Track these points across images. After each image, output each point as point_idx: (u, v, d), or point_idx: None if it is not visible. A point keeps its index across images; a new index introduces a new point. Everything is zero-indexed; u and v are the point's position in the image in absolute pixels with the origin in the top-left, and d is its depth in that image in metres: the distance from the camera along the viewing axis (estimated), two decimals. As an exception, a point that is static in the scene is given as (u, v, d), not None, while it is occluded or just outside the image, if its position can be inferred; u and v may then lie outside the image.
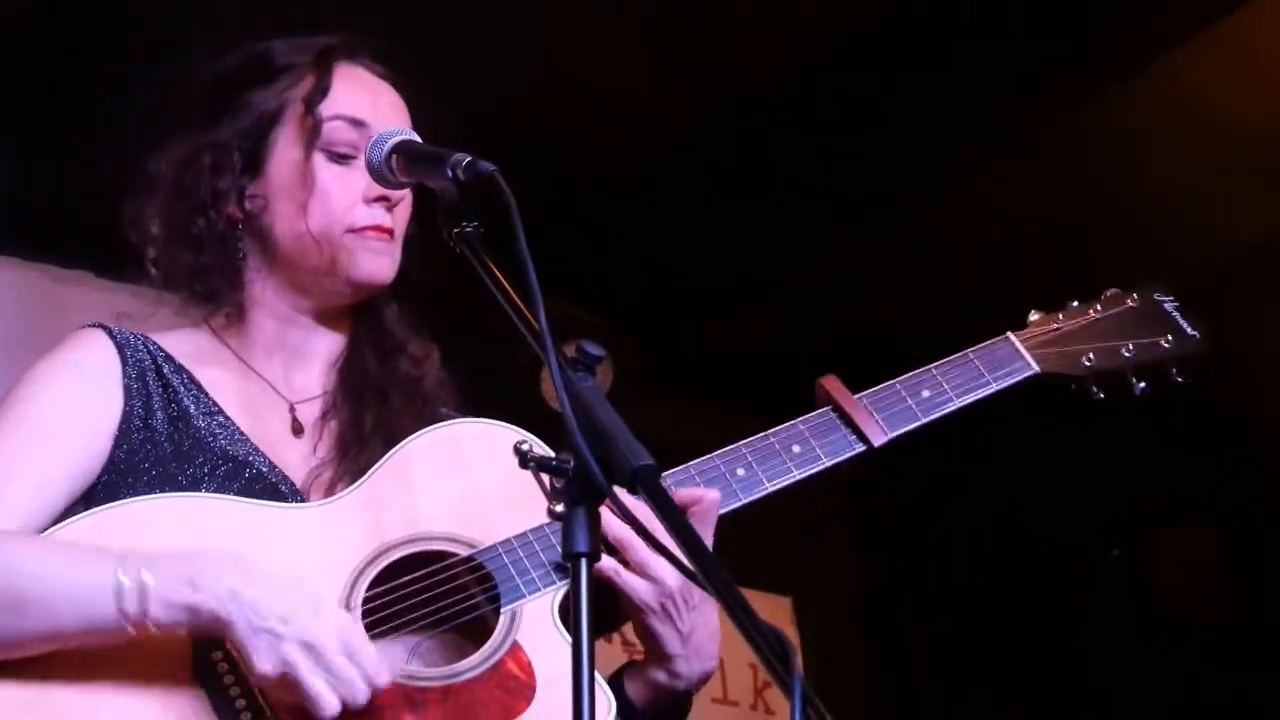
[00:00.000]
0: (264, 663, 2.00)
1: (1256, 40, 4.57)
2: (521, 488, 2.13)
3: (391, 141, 2.12)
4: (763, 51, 4.52)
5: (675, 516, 1.66)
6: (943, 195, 5.18)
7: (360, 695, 2.02)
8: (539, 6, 4.24)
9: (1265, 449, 6.01)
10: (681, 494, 2.26)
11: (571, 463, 1.71)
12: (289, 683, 2.00)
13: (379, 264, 2.35)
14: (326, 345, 2.42)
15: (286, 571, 2.10)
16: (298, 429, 2.35)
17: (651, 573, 2.20)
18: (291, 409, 2.36)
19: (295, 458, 2.31)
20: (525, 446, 1.79)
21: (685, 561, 1.67)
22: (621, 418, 1.74)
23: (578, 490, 1.70)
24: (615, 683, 2.30)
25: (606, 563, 2.18)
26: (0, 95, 4.14)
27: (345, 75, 2.40)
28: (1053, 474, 6.39)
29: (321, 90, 2.35)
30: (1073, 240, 5.27)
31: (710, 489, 2.28)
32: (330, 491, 2.28)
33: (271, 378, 2.38)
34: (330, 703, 2.00)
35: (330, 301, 2.40)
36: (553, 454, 1.87)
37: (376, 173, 2.15)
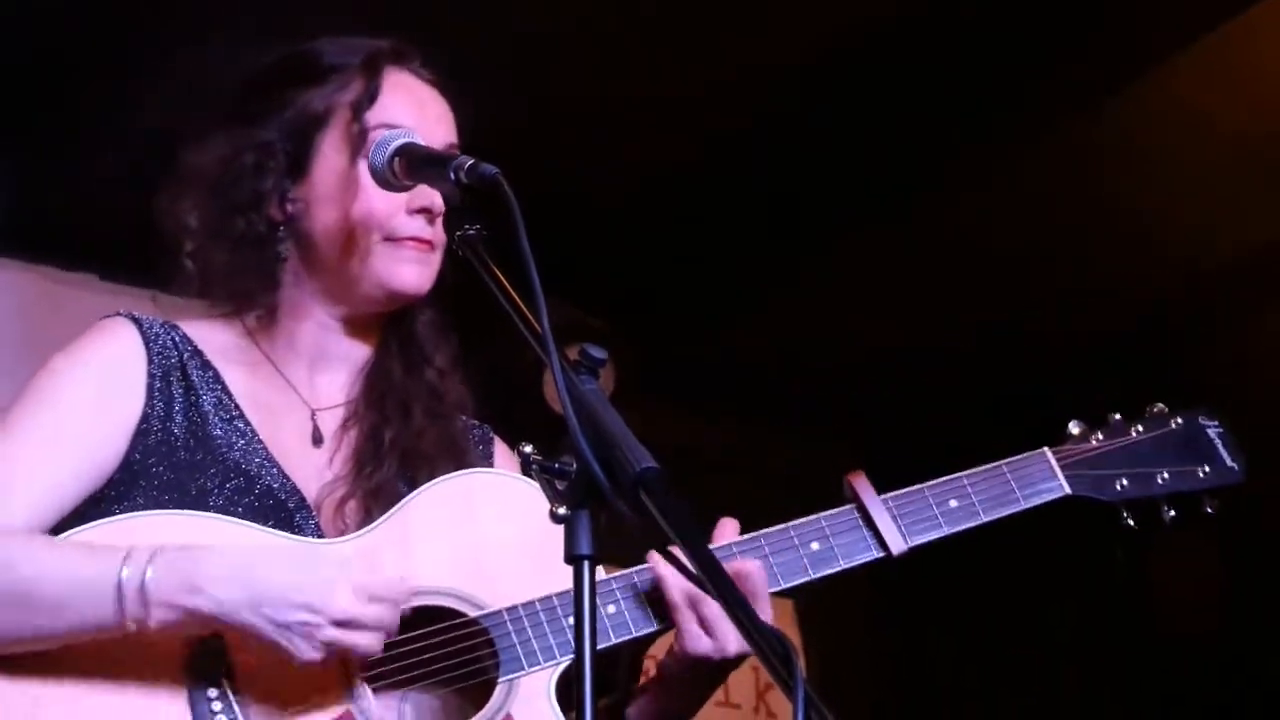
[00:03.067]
0: (307, 653, 2.03)
1: (1254, 48, 4.58)
2: (535, 550, 2.14)
3: (394, 144, 2.12)
4: (763, 64, 4.52)
5: (680, 521, 1.66)
6: (942, 204, 5.19)
7: (394, 625, 2.08)
8: (541, 14, 4.24)
9: (1265, 455, 6.00)
10: (733, 565, 2.23)
11: (574, 465, 1.70)
12: (340, 654, 2.05)
13: (416, 274, 2.32)
14: (356, 351, 2.40)
15: (295, 564, 2.10)
16: (317, 438, 2.33)
17: (716, 634, 2.20)
18: (313, 415, 2.34)
19: (310, 469, 2.30)
20: (528, 450, 1.78)
21: (690, 566, 1.67)
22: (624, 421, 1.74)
23: (580, 493, 1.70)
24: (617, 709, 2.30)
25: (683, 617, 2.20)
26: (2, 99, 4.15)
27: (394, 82, 2.37)
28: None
29: (370, 96, 2.32)
30: (1072, 247, 5.29)
31: (751, 560, 2.25)
32: (341, 509, 2.26)
33: (297, 381, 2.35)
34: (376, 647, 2.06)
35: (364, 308, 2.37)
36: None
37: (379, 176, 2.15)
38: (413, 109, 2.35)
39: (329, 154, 2.32)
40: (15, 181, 4.39)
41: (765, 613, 2.21)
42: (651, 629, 2.23)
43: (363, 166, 2.28)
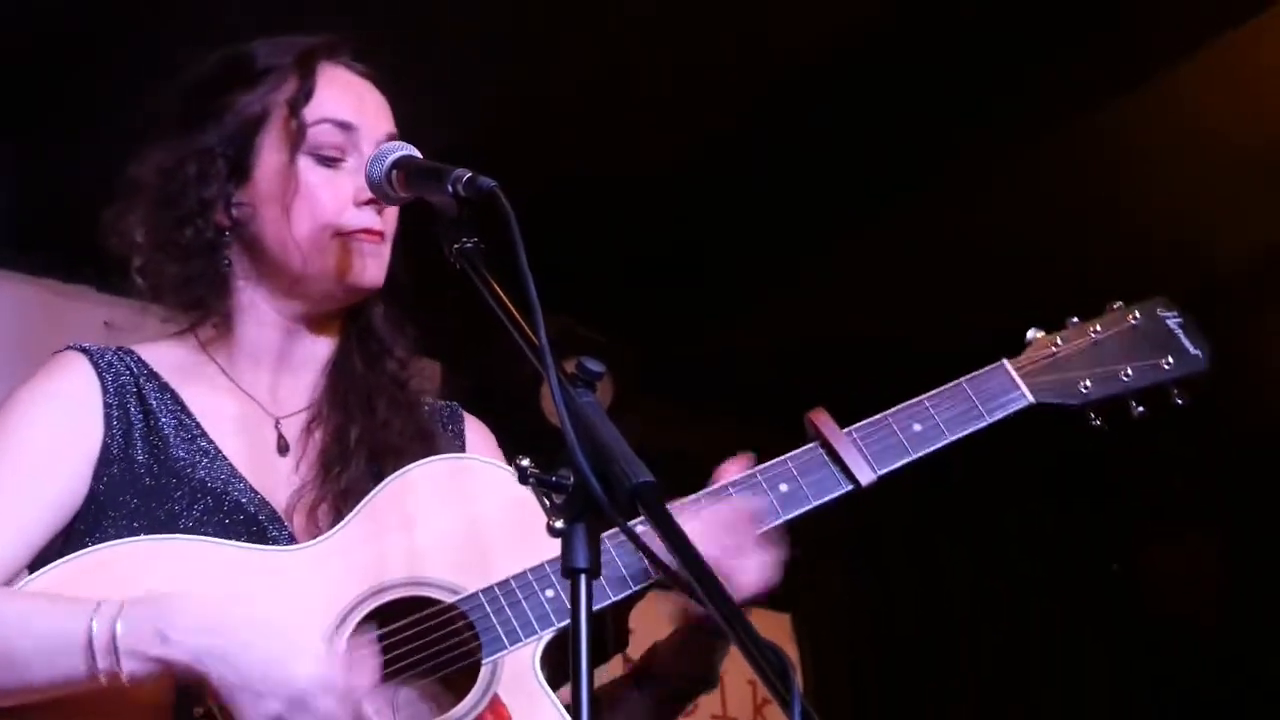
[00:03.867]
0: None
1: (1257, 55, 4.58)
2: (509, 529, 2.14)
3: (391, 157, 2.12)
4: (758, 64, 4.52)
5: (675, 534, 1.67)
6: (942, 206, 5.19)
7: None
8: (534, 18, 4.24)
9: (1265, 459, 6.01)
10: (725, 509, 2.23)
11: (571, 479, 1.70)
12: None
13: (370, 267, 2.30)
14: (315, 352, 2.38)
15: (265, 619, 2.05)
16: (283, 446, 2.31)
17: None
18: (277, 424, 2.33)
19: (279, 478, 2.28)
20: (525, 462, 1.78)
21: (688, 578, 1.67)
22: (621, 431, 1.74)
23: (577, 506, 1.70)
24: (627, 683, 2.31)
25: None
26: (1, 107, 4.15)
27: (329, 77, 2.35)
28: (1052, 488, 6.40)
29: (305, 93, 2.31)
30: (1073, 251, 5.28)
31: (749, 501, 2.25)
32: (313, 515, 2.24)
33: (257, 393, 2.34)
34: None
35: (320, 306, 2.35)
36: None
37: (377, 188, 2.15)
38: (351, 102, 2.34)
39: (270, 154, 2.31)
40: (13, 192, 4.39)
41: (766, 547, 2.22)
42: (647, 581, 2.21)
43: (303, 162, 2.29)
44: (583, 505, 1.70)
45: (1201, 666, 6.51)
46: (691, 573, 1.67)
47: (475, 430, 2.49)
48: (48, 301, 4.56)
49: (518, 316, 1.86)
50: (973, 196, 5.17)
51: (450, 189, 1.96)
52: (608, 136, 4.69)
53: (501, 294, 1.90)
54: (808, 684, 5.80)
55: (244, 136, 2.31)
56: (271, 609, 2.07)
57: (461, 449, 2.44)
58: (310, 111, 2.30)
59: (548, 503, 1.75)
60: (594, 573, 1.70)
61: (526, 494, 1.78)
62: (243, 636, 2.00)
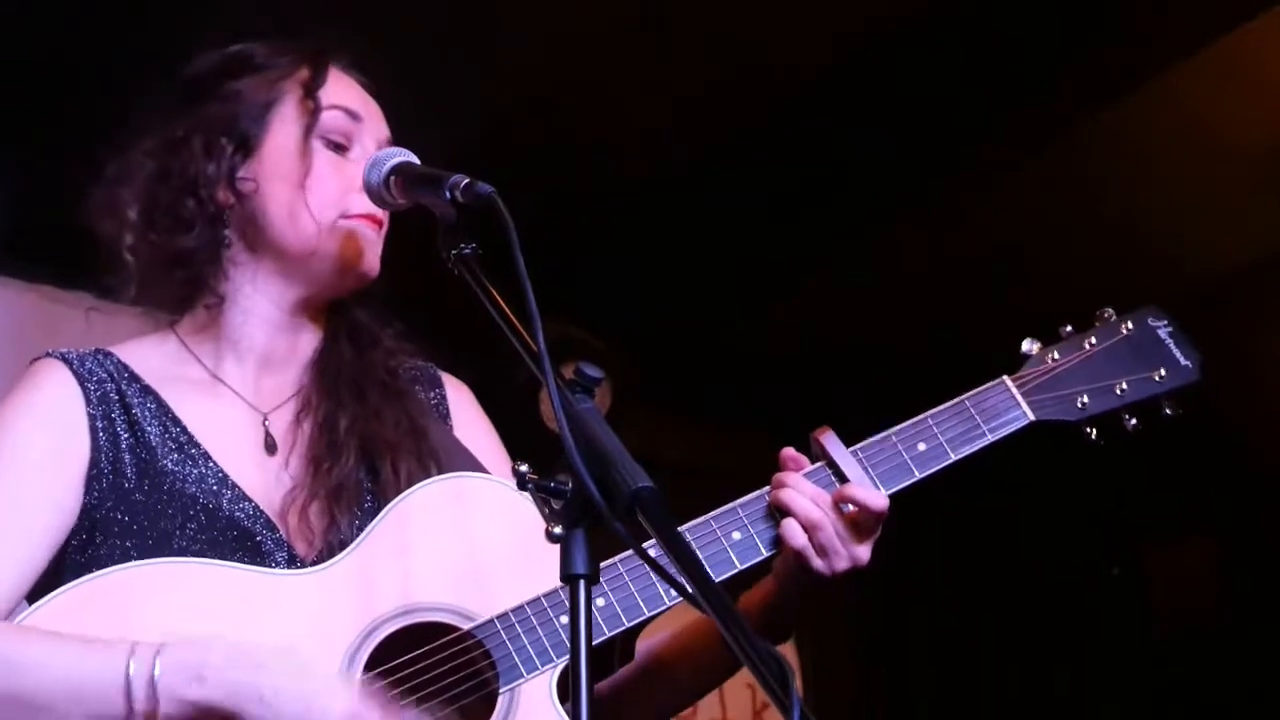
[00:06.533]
0: None
1: (1256, 58, 4.58)
2: (522, 551, 2.13)
3: (390, 163, 2.12)
4: (760, 72, 4.52)
5: (674, 540, 1.66)
6: (941, 213, 5.19)
7: None
8: (535, 25, 4.24)
9: (1263, 463, 6.01)
10: (851, 491, 2.28)
11: (569, 485, 1.70)
12: None
13: (369, 253, 2.32)
14: (300, 348, 2.37)
15: (294, 657, 2.03)
16: (270, 445, 2.29)
17: (828, 554, 2.28)
18: (265, 421, 2.31)
19: (269, 479, 2.25)
20: (523, 469, 1.77)
21: (685, 584, 1.67)
22: (620, 438, 1.73)
23: (576, 512, 1.70)
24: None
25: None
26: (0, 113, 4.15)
27: (335, 73, 2.40)
28: (1052, 493, 6.39)
29: (320, 78, 2.35)
30: (1072, 255, 5.28)
31: (876, 494, 2.29)
32: (305, 516, 2.21)
33: (242, 388, 2.32)
34: None
35: (315, 289, 2.35)
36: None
37: (374, 194, 2.15)
38: (358, 98, 2.38)
39: (280, 130, 2.33)
40: (10, 199, 4.39)
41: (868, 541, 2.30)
42: (762, 555, 2.29)
43: (315, 144, 2.31)
44: (581, 511, 1.69)
45: (1202, 669, 6.51)
46: (688, 576, 1.67)
47: (455, 391, 2.49)
48: (44, 308, 4.56)
49: (516, 322, 1.86)
50: (971, 201, 5.17)
51: (448, 195, 1.96)
52: (607, 142, 4.69)
53: (500, 300, 1.90)
54: (807, 689, 5.79)
55: (254, 114, 2.33)
56: (295, 643, 2.04)
57: (445, 416, 2.44)
58: (324, 96, 2.35)
59: (546, 509, 1.74)
60: (593, 579, 1.69)
61: (531, 511, 1.77)
62: (275, 675, 1.97)
